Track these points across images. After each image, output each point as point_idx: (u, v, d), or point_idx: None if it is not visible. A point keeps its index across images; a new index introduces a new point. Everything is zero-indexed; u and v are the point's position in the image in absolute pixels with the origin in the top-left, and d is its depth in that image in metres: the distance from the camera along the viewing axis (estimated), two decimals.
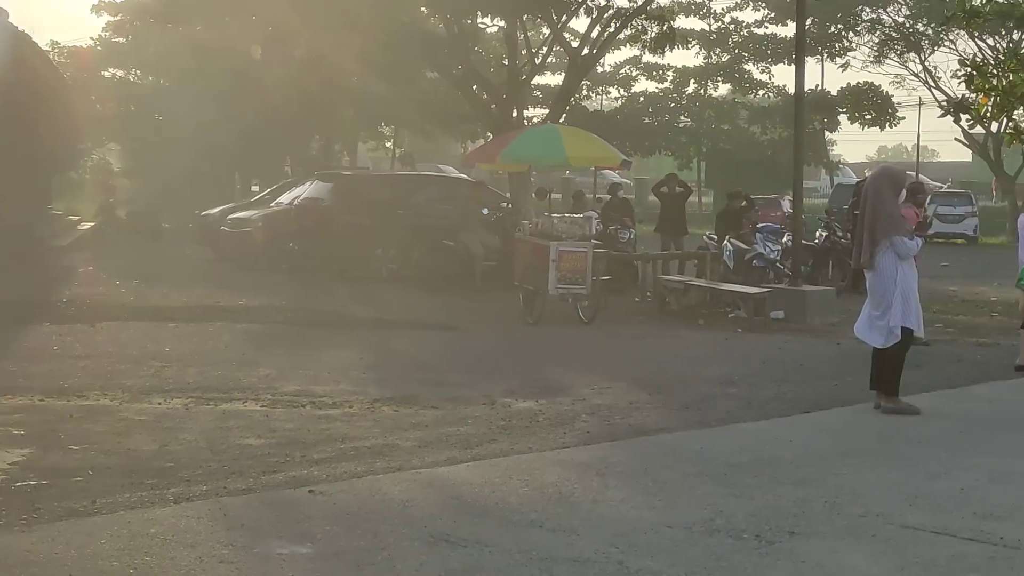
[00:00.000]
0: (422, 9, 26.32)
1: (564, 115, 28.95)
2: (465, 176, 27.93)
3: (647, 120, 50.41)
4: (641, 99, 52.58)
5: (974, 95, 19.92)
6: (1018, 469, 7.72)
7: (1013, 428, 9.18)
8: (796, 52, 18.07)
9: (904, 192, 9.81)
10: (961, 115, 20.34)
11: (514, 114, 23.33)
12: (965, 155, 50.19)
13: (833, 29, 47.06)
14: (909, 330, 9.62)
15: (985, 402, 10.44)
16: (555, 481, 7.28)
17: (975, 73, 19.56)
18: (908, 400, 9.85)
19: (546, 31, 27.63)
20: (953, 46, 46.04)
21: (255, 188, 37.20)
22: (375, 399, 9.99)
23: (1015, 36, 40.24)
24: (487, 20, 28.56)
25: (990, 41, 43.43)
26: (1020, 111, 21.26)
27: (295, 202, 23.92)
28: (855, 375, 11.32)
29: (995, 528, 6.39)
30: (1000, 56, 38.37)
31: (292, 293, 18.31)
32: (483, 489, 7.07)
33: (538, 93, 45.48)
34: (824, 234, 21.63)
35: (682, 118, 51.93)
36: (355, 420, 9.18)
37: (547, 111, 28.74)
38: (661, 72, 51.70)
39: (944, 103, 44.47)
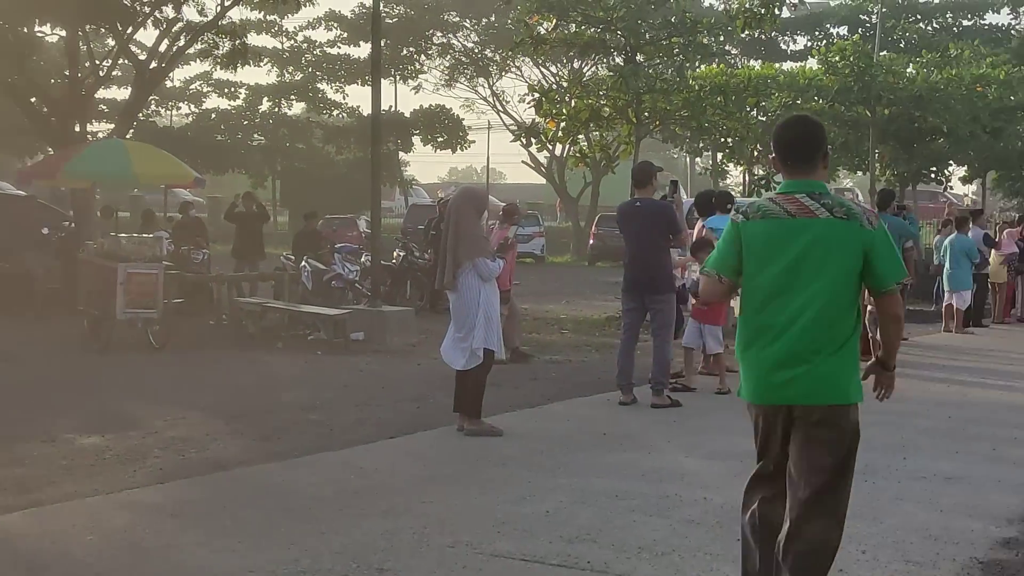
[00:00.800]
0: None
1: (131, 130, 27.69)
2: (22, 193, 26.19)
3: (220, 137, 49.33)
4: (213, 116, 51.40)
5: (543, 120, 20.59)
6: (599, 489, 7.78)
7: (592, 446, 9.31)
8: (372, 73, 17.98)
9: (486, 213, 9.81)
10: (532, 139, 20.98)
11: (76, 128, 21.97)
12: (531, 177, 52.32)
13: (406, 52, 47.82)
14: (491, 351, 9.61)
15: (563, 420, 10.57)
16: (124, 526, 6.67)
17: (544, 99, 20.22)
18: (490, 421, 9.84)
19: (111, 43, 26.29)
20: (519, 72, 47.92)
21: None
22: None
23: (576, 64, 42.31)
24: (46, 29, 26.88)
25: (553, 68, 45.55)
26: (583, 135, 22.19)
27: None
28: (437, 397, 11.27)
29: (582, 552, 6.35)
30: (563, 82, 40.25)
31: None
32: (42, 541, 6.36)
33: (103, 107, 43.47)
34: (402, 254, 21.73)
35: (256, 136, 51.18)
36: None
37: (113, 126, 27.34)
38: (233, 89, 50.75)
39: (512, 127, 46.28)
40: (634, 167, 11.77)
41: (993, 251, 21.07)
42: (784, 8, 19.08)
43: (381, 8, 18.18)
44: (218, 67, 26.39)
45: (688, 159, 55.47)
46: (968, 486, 8.13)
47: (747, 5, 19.70)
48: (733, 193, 18.34)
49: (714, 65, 25.92)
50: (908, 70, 29.61)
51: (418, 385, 12.48)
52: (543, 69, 45.90)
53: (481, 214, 9.55)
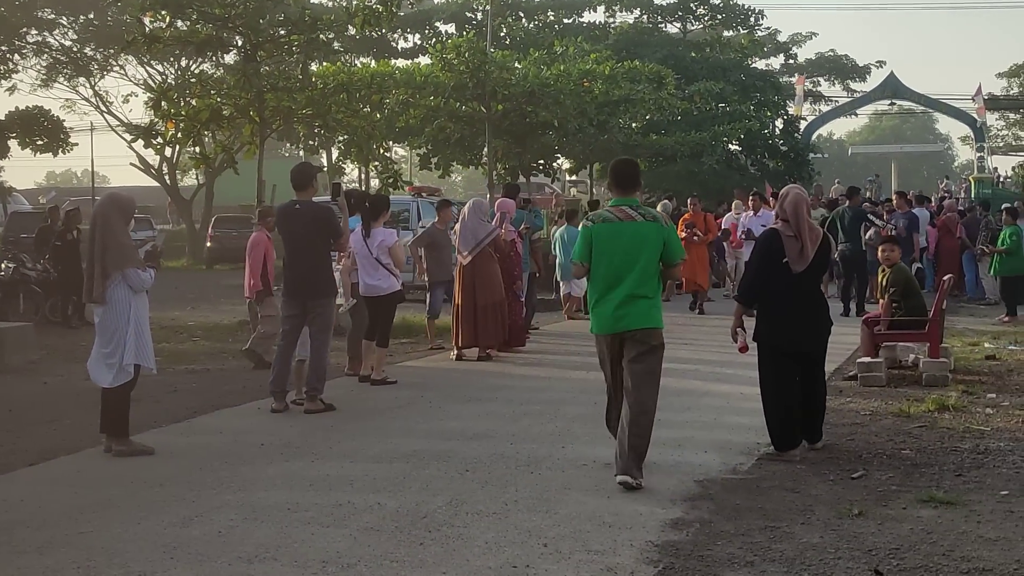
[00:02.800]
0: None
1: None
2: None
3: None
4: None
5: (161, 120, 19.78)
6: (269, 503, 7.50)
7: (252, 458, 8.98)
8: None
9: (133, 221, 9.26)
10: (152, 140, 20.05)
11: None
12: (139, 179, 50.37)
13: None
14: (140, 367, 9.12)
15: (216, 433, 10.13)
16: None
17: (162, 99, 19.45)
18: (139, 439, 9.34)
19: None
20: (123, 71, 46.03)
21: None
22: None
23: (183, 62, 41.10)
24: None
25: (160, 67, 44.04)
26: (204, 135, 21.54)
27: None
28: (73, 416, 10.68)
29: (264, 571, 6.13)
30: (170, 80, 38.99)
31: None
32: None
33: None
34: (12, 266, 20.41)
35: None
36: None
37: None
38: None
39: (119, 127, 44.43)
40: (293, 168, 11.36)
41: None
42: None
43: None
44: None
45: (303, 156, 55.01)
46: None
47: (366, 3, 19.66)
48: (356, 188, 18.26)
49: (331, 63, 25.73)
50: (517, 67, 30.36)
51: (49, 406, 11.70)
52: (149, 68, 44.29)
53: (128, 221, 8.99)
